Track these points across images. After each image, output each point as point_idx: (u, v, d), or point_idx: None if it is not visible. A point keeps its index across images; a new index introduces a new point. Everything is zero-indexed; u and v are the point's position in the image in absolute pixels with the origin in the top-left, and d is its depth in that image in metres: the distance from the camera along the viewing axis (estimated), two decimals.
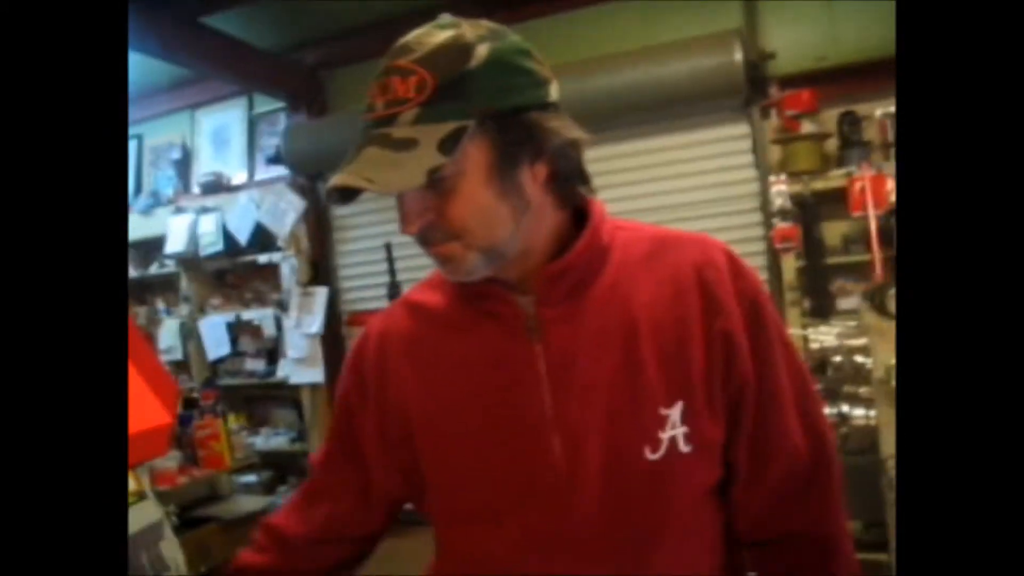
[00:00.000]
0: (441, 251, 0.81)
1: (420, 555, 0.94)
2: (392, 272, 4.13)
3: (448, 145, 0.74)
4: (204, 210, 4.29)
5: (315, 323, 4.07)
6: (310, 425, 4.20)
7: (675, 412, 0.81)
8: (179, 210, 4.39)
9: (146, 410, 1.24)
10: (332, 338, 4.15)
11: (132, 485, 1.18)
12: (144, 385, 1.25)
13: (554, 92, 0.82)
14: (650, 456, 0.81)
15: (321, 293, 4.11)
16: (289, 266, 4.14)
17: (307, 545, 1.00)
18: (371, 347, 0.95)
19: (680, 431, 0.81)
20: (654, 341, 0.83)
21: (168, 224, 4.36)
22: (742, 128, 3.38)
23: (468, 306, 0.88)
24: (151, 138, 4.71)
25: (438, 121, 0.75)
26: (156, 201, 4.52)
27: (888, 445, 1.84)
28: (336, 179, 0.76)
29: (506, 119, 0.77)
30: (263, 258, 4.26)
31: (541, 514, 0.83)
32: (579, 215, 0.88)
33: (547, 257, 0.85)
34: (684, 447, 0.81)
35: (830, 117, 3.18)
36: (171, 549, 1.20)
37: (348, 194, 0.78)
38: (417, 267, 4.06)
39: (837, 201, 2.89)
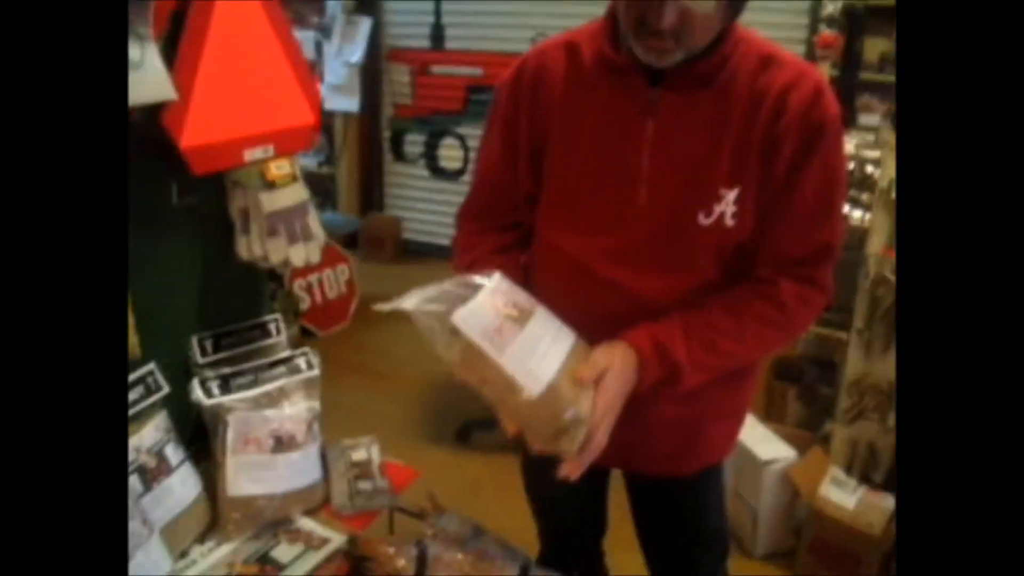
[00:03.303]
0: (661, 45, 1.00)
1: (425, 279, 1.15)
2: (438, 14, 4.18)
3: None
4: None
5: (357, 52, 4.18)
6: (340, 150, 4.45)
7: (731, 194, 1.07)
8: None
9: (297, 109, 1.49)
10: (370, 70, 4.28)
11: (288, 169, 1.45)
12: (298, 87, 1.49)
13: None
14: (703, 221, 1.08)
15: (365, 23, 4.17)
16: None
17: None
18: (529, 73, 1.18)
19: (730, 209, 1.08)
20: (733, 137, 1.06)
21: None
22: None
23: (611, 72, 1.12)
24: None
25: None
26: None
27: (874, 245, 2.19)
28: None
29: None
30: None
31: (618, 237, 1.13)
32: None
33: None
34: (729, 221, 1.08)
35: None
36: (315, 223, 1.49)
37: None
38: (461, 11, 4.12)
39: (885, 19, 3.00)
